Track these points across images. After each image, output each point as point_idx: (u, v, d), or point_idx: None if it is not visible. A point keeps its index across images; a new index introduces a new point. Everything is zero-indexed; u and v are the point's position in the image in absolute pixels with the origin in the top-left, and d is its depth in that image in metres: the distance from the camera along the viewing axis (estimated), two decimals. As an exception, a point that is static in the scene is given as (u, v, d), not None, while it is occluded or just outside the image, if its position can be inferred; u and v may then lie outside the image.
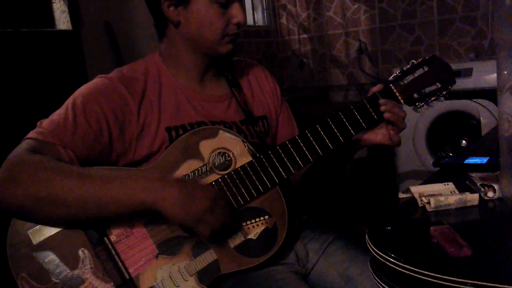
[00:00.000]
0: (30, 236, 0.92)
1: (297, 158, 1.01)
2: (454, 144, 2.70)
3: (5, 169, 0.89)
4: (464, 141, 2.70)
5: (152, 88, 1.06)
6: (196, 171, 0.99)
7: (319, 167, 1.21)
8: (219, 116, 1.11)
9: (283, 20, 3.72)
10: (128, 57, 2.35)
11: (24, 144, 0.93)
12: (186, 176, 0.98)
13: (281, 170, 1.01)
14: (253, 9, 3.68)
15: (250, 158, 1.00)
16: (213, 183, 0.99)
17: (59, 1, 2.17)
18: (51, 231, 0.92)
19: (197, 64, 1.10)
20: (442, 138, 2.66)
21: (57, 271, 0.92)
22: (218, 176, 0.99)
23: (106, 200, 0.88)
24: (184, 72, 1.11)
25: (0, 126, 1.80)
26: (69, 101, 1.00)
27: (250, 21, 3.61)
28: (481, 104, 2.33)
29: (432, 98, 1.06)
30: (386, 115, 1.01)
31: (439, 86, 1.05)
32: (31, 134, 0.95)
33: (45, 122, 0.97)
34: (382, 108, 1.01)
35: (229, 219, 0.95)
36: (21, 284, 0.91)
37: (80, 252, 0.93)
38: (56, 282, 0.91)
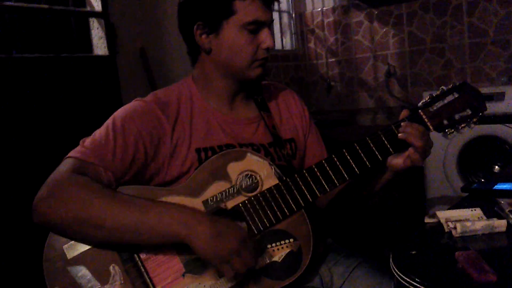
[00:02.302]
0: (65, 251, 0.95)
1: (323, 182, 1.02)
2: (487, 170, 2.63)
3: (49, 187, 0.94)
4: (497, 167, 2.63)
5: (185, 111, 1.10)
6: (223, 192, 1.01)
7: (348, 194, 1.21)
8: (247, 138, 1.13)
9: (311, 44, 3.76)
10: (161, 81, 2.42)
11: (67, 163, 0.97)
12: (214, 197, 1.01)
13: (307, 193, 1.02)
14: (282, 33, 3.74)
15: (276, 181, 1.02)
16: (240, 205, 1.01)
17: (97, 28, 2.27)
18: (85, 246, 0.96)
19: (227, 88, 1.14)
20: (474, 163, 2.61)
21: (89, 285, 0.95)
22: (245, 198, 1.01)
23: (142, 229, 0.92)
24: (215, 96, 1.14)
25: (40, 147, 1.87)
26: (109, 122, 1.04)
27: (278, 45, 3.67)
28: (514, 129, 2.28)
29: (462, 125, 1.04)
30: (401, 135, 1.01)
31: (470, 113, 1.04)
32: (74, 153, 0.99)
33: (87, 141, 1.01)
34: (400, 129, 1.01)
35: (254, 263, 0.96)
36: None
37: (111, 268, 0.96)
38: None
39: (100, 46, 2.27)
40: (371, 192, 1.17)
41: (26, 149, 1.85)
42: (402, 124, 1.02)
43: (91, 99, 2.09)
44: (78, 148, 1.01)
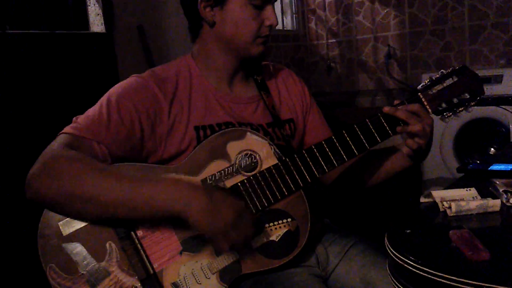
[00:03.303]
0: (61, 227, 0.95)
1: (322, 163, 1.02)
2: (483, 152, 2.65)
3: (41, 163, 0.93)
4: (492, 149, 2.65)
5: (183, 88, 1.09)
6: (222, 171, 1.01)
7: (356, 176, 1.22)
8: (246, 118, 1.13)
9: (312, 25, 3.72)
10: (158, 59, 2.40)
11: (60, 139, 0.97)
12: (213, 176, 1.01)
13: (306, 174, 1.02)
14: (282, 13, 3.70)
15: (276, 161, 1.02)
16: (239, 184, 1.01)
17: (94, 4, 2.25)
18: (80, 223, 0.96)
19: (227, 65, 1.13)
20: (470, 145, 2.62)
21: (84, 262, 0.95)
22: (244, 177, 1.01)
23: (137, 204, 0.91)
24: (215, 74, 1.14)
25: (35, 124, 1.87)
26: (104, 98, 1.04)
27: (279, 25, 3.61)
28: (510, 111, 2.28)
29: (460, 109, 1.05)
30: (399, 129, 1.02)
31: (468, 96, 1.05)
32: (67, 129, 0.99)
33: (81, 118, 1.01)
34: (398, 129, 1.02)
35: (251, 235, 0.96)
36: (49, 274, 0.94)
37: (107, 245, 0.96)
38: (82, 274, 0.95)
39: (97, 23, 2.25)
40: (384, 176, 1.19)
41: (21, 127, 1.84)
42: (398, 114, 1.01)
43: (88, 78, 2.08)
44: (71, 125, 1.00)
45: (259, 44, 1.09)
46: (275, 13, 1.09)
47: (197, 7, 1.07)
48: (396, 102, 1.04)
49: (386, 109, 1.02)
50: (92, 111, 1.02)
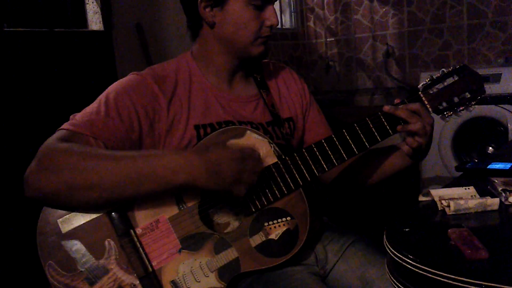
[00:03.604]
0: (60, 224, 0.95)
1: (322, 162, 1.02)
2: (481, 151, 2.65)
3: (38, 159, 0.92)
4: (491, 148, 2.65)
5: (183, 87, 1.09)
6: None
7: (356, 175, 1.22)
8: (246, 116, 1.13)
9: (311, 23, 3.72)
10: (157, 57, 2.40)
11: (56, 135, 0.97)
12: None
13: (305, 172, 1.02)
14: (281, 11, 3.70)
15: (275, 160, 1.02)
16: None
17: (92, 2, 2.24)
18: (79, 220, 0.96)
19: (227, 65, 1.13)
20: (468, 144, 2.62)
21: (83, 260, 0.95)
22: None
23: (142, 175, 0.90)
24: (214, 72, 1.13)
25: (33, 122, 1.86)
26: (102, 96, 1.03)
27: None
28: (509, 110, 2.29)
29: (461, 108, 1.05)
30: (399, 127, 1.02)
31: (469, 96, 1.05)
32: (64, 125, 0.99)
33: (78, 115, 1.01)
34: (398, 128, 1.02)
35: (260, 171, 0.96)
36: (48, 272, 0.94)
37: (106, 243, 0.96)
38: (81, 271, 0.95)
39: (95, 21, 2.24)
40: (384, 175, 1.19)
41: (19, 125, 1.84)
42: (398, 113, 1.01)
43: (86, 76, 2.08)
44: (68, 122, 1.00)
45: (259, 44, 1.09)
46: (276, 13, 1.08)
47: (197, 7, 1.07)
48: (396, 101, 1.04)
49: (387, 108, 1.02)
50: (90, 108, 1.02)
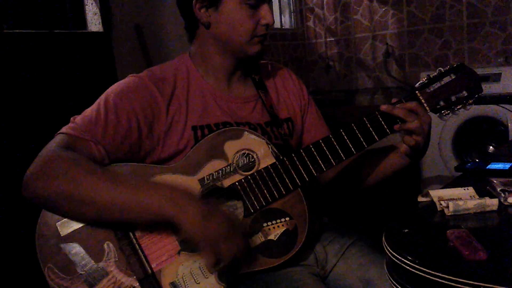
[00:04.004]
0: (59, 228, 0.96)
1: (320, 162, 1.02)
2: (481, 150, 2.65)
3: (39, 163, 0.93)
4: (491, 147, 2.65)
5: (181, 88, 1.09)
6: (220, 171, 1.01)
7: (355, 175, 1.22)
8: (244, 117, 1.13)
9: (310, 23, 3.72)
10: (156, 58, 2.40)
11: (58, 139, 0.97)
12: (210, 176, 1.01)
13: (303, 173, 1.02)
14: (281, 12, 3.69)
15: (273, 160, 1.02)
16: (237, 183, 1.01)
17: (91, 4, 2.24)
18: (78, 224, 0.96)
19: (225, 65, 1.13)
20: (469, 143, 2.62)
21: (82, 263, 0.95)
22: (241, 177, 1.01)
23: (132, 206, 0.92)
24: (213, 73, 1.13)
25: (32, 123, 1.86)
26: (101, 98, 1.04)
27: (277, 24, 3.63)
28: (509, 110, 2.29)
29: (458, 106, 1.05)
30: (396, 127, 1.02)
31: (466, 94, 1.04)
32: (64, 129, 0.99)
33: (78, 118, 1.01)
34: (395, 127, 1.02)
35: (240, 254, 0.94)
36: (47, 274, 0.94)
37: (105, 245, 0.96)
38: (81, 274, 0.95)
39: (94, 22, 2.24)
40: (380, 175, 1.18)
41: (18, 126, 1.84)
42: (395, 112, 1.01)
43: (85, 77, 2.07)
44: (68, 125, 1.00)
45: (256, 43, 1.09)
46: (271, 12, 1.08)
47: (192, 8, 1.07)
48: (393, 100, 1.04)
49: (384, 107, 1.02)
50: (89, 111, 1.02)
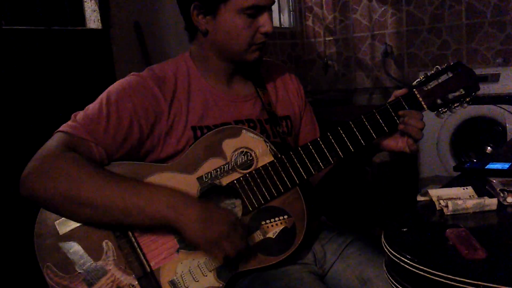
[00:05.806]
0: (57, 226, 0.95)
1: (318, 160, 1.02)
2: (479, 150, 2.66)
3: (38, 162, 0.93)
4: (489, 147, 2.66)
5: (182, 88, 1.09)
6: (218, 169, 1.01)
7: (337, 169, 1.22)
8: (244, 115, 1.13)
9: (309, 22, 3.72)
10: (155, 56, 2.40)
11: (57, 138, 0.97)
12: (209, 174, 1.01)
13: (301, 170, 1.02)
14: (280, 10, 3.69)
15: (271, 158, 1.02)
16: (235, 181, 1.01)
17: (90, 1, 2.23)
18: (77, 223, 0.96)
19: (224, 69, 1.12)
20: (467, 143, 2.63)
21: (81, 261, 0.95)
22: (239, 175, 1.01)
23: (131, 211, 0.92)
24: (213, 74, 1.13)
25: (31, 121, 1.86)
26: (103, 96, 1.03)
27: (276, 22, 3.62)
28: (507, 110, 2.29)
29: (456, 105, 1.06)
30: (401, 126, 1.02)
31: (463, 92, 1.05)
32: (65, 127, 0.98)
33: (79, 116, 1.00)
34: (400, 119, 1.02)
35: (244, 246, 0.97)
36: (46, 273, 0.94)
37: (104, 244, 0.96)
38: (79, 273, 0.95)
39: (93, 19, 2.24)
40: (358, 166, 1.20)
41: (17, 123, 1.83)
42: (401, 113, 1.02)
43: (84, 74, 2.07)
44: (69, 123, 0.99)
45: (254, 51, 1.08)
46: (270, 20, 1.05)
47: (190, 14, 1.06)
48: (391, 99, 1.05)
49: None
50: (91, 109, 1.01)
